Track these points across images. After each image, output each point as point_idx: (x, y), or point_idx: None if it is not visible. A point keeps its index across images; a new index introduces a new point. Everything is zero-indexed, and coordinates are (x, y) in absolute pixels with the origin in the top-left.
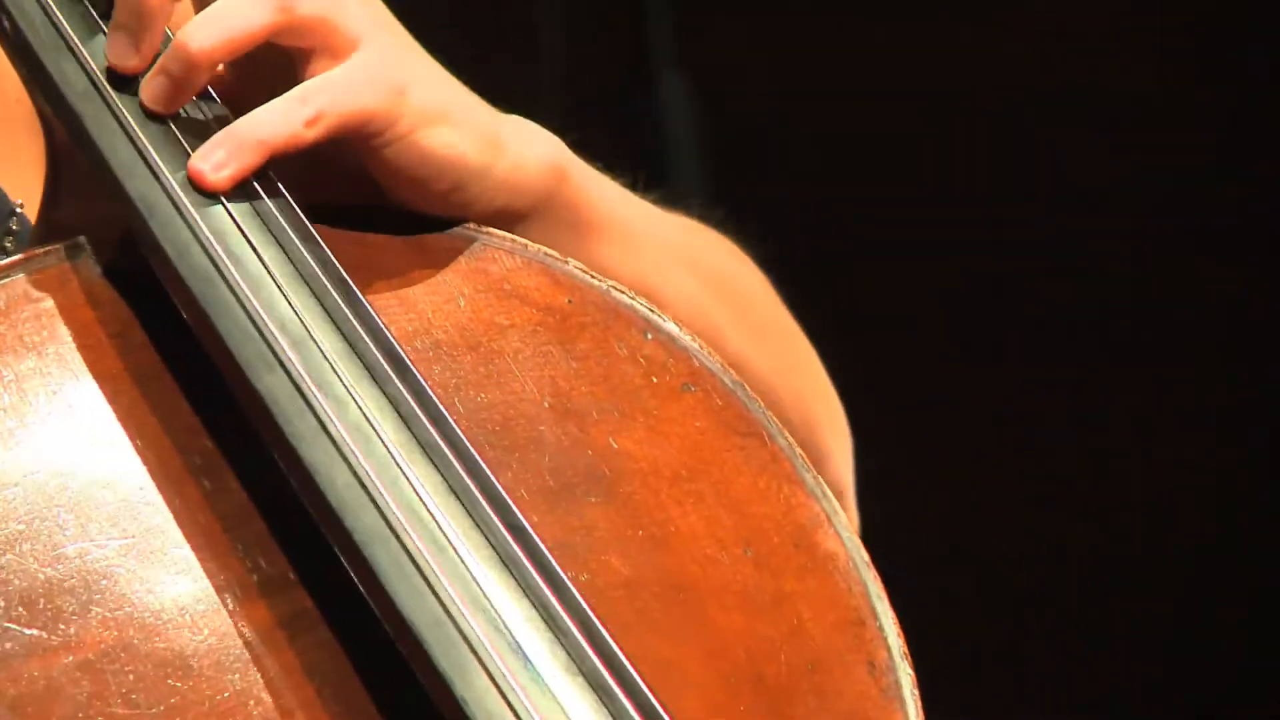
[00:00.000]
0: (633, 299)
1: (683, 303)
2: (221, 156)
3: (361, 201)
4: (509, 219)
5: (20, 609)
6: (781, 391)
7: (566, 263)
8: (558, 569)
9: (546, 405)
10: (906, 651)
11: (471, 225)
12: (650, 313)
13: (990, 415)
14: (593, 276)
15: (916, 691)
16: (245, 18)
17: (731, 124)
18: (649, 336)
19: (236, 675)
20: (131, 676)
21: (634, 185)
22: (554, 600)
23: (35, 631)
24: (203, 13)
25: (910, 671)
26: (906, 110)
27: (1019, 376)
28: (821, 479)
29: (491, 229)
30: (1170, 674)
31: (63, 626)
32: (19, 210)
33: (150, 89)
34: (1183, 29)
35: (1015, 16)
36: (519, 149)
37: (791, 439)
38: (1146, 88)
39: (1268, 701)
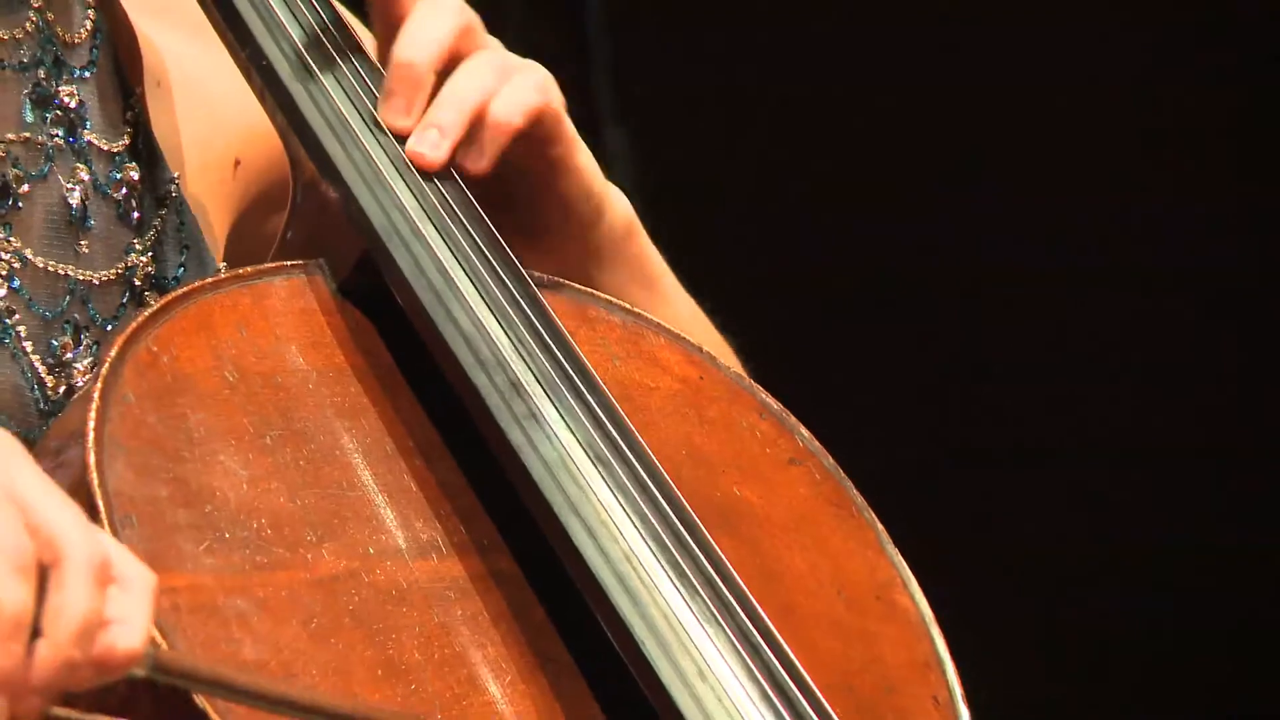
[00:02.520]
0: (752, 385)
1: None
2: (434, 135)
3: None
4: (597, 263)
5: (269, 530)
6: None
7: (700, 349)
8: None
9: (683, 453)
10: (964, 696)
11: (622, 303)
12: (764, 397)
13: (991, 417)
14: (719, 361)
15: None
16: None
17: (670, 175)
18: (763, 416)
19: (441, 610)
20: (357, 598)
21: None
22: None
23: (281, 550)
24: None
25: (968, 712)
26: (851, 160)
27: (1018, 376)
28: (897, 551)
29: (641, 310)
30: (1171, 673)
31: (302, 550)
32: (221, 270)
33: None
34: (1183, 28)
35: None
36: (613, 197)
37: (874, 515)
38: (1147, 87)
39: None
